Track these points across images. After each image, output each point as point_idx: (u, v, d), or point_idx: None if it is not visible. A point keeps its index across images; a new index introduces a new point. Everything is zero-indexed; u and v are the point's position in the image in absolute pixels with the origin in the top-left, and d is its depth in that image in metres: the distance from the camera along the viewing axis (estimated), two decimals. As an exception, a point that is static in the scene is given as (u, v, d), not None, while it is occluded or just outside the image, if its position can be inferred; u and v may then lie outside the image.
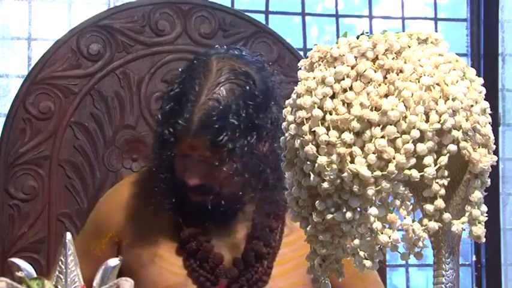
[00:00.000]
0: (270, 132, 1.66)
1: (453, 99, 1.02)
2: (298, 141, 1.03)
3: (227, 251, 1.73)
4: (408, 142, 1.00)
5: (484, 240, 1.04)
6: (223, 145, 1.60)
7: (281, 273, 1.74)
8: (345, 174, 1.00)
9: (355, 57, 1.03)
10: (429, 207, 1.03)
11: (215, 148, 1.61)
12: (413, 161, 1.00)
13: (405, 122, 1.00)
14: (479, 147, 1.03)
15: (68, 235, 1.30)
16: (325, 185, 1.01)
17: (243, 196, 1.71)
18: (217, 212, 1.69)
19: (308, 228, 1.05)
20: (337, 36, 2.34)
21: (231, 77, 1.64)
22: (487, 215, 1.04)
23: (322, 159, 1.01)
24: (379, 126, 1.00)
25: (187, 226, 1.72)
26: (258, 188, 1.68)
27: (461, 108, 1.02)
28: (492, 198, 2.70)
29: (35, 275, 1.27)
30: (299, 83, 1.05)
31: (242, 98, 1.62)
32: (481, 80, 1.07)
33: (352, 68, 1.03)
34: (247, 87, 1.63)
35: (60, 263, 1.29)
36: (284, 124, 1.07)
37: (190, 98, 1.62)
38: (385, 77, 1.02)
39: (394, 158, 1.00)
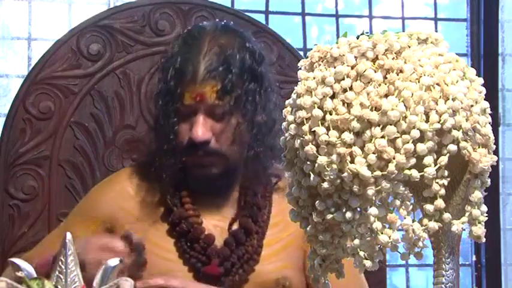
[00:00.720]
0: (269, 88, 1.73)
1: (453, 99, 1.02)
2: (298, 141, 1.03)
3: (217, 230, 1.75)
4: (408, 142, 1.00)
5: (484, 240, 1.04)
6: (231, 90, 1.67)
7: (270, 255, 1.76)
8: (345, 174, 1.00)
9: (355, 57, 1.03)
10: (429, 207, 1.03)
11: (222, 94, 1.67)
12: (413, 161, 1.00)
13: (405, 122, 1.00)
14: (479, 147, 1.03)
15: (68, 235, 1.30)
16: (325, 185, 1.01)
17: (245, 155, 1.73)
18: (217, 178, 1.72)
19: (308, 228, 1.05)
20: (337, 36, 2.34)
21: (228, 34, 1.73)
22: (487, 215, 1.04)
23: (322, 159, 1.01)
24: (379, 126, 1.00)
25: (178, 207, 1.74)
26: (260, 142, 1.71)
27: (461, 108, 1.02)
28: (492, 198, 2.70)
29: (35, 275, 1.27)
30: (299, 83, 1.05)
31: (242, 50, 1.71)
32: (481, 80, 1.07)
33: (352, 68, 1.03)
34: (245, 43, 1.73)
35: (60, 263, 1.28)
36: (284, 124, 1.07)
37: (194, 50, 1.69)
38: (385, 77, 1.02)
39: (394, 158, 1.00)
